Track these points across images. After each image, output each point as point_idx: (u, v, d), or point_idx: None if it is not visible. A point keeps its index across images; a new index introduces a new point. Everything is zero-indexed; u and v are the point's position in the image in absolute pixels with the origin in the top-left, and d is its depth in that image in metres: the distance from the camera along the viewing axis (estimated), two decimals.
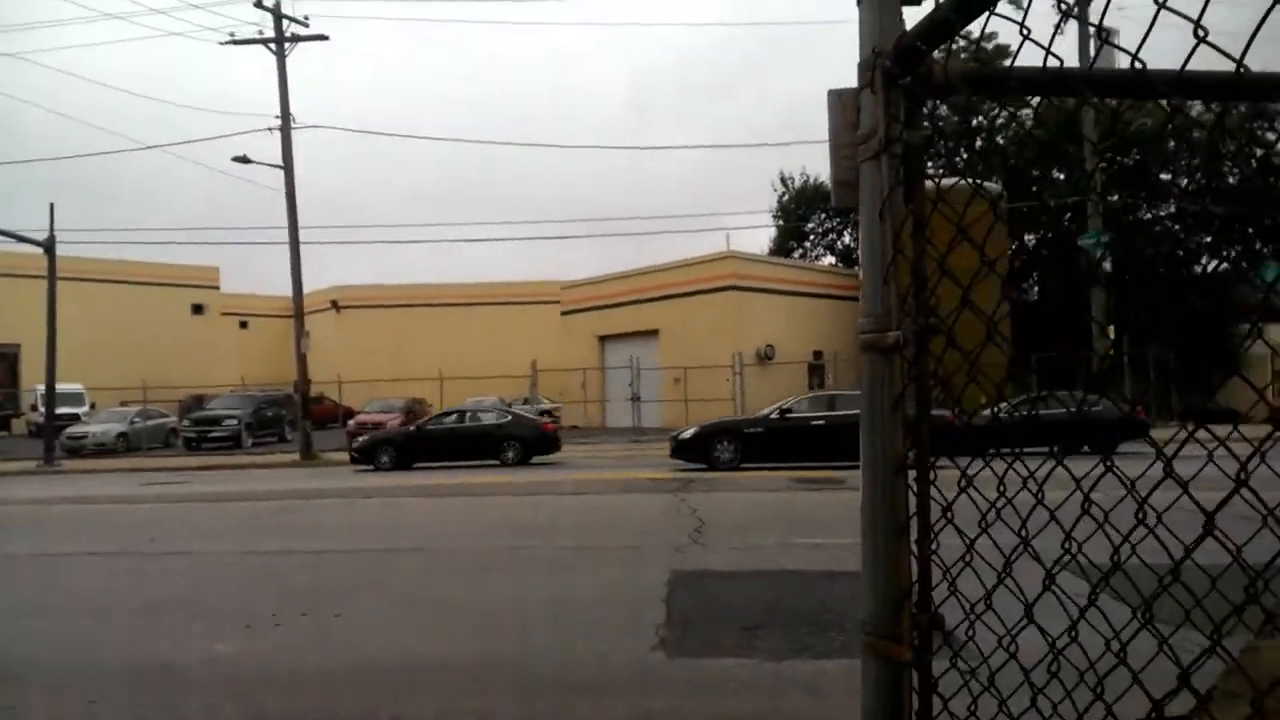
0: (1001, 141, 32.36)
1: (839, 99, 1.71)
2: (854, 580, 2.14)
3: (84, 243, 44.56)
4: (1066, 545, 1.56)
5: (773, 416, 17.67)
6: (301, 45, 25.54)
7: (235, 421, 27.64)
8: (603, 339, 38.42)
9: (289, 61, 25.36)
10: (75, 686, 4.59)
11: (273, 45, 25.11)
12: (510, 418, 21.12)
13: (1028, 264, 35.96)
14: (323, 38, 25.59)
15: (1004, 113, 31.87)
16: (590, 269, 44.12)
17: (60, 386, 26.33)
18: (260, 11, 24.85)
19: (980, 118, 26.34)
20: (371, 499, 13.88)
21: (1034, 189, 31.21)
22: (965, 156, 24.83)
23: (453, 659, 4.99)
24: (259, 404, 29.51)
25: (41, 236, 26.26)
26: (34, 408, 30.75)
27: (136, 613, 6.25)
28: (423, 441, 19.87)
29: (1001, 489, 1.64)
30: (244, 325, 52.71)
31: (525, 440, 19.91)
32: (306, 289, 26.97)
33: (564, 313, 40.98)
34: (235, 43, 25.23)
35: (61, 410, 26.88)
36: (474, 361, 36.55)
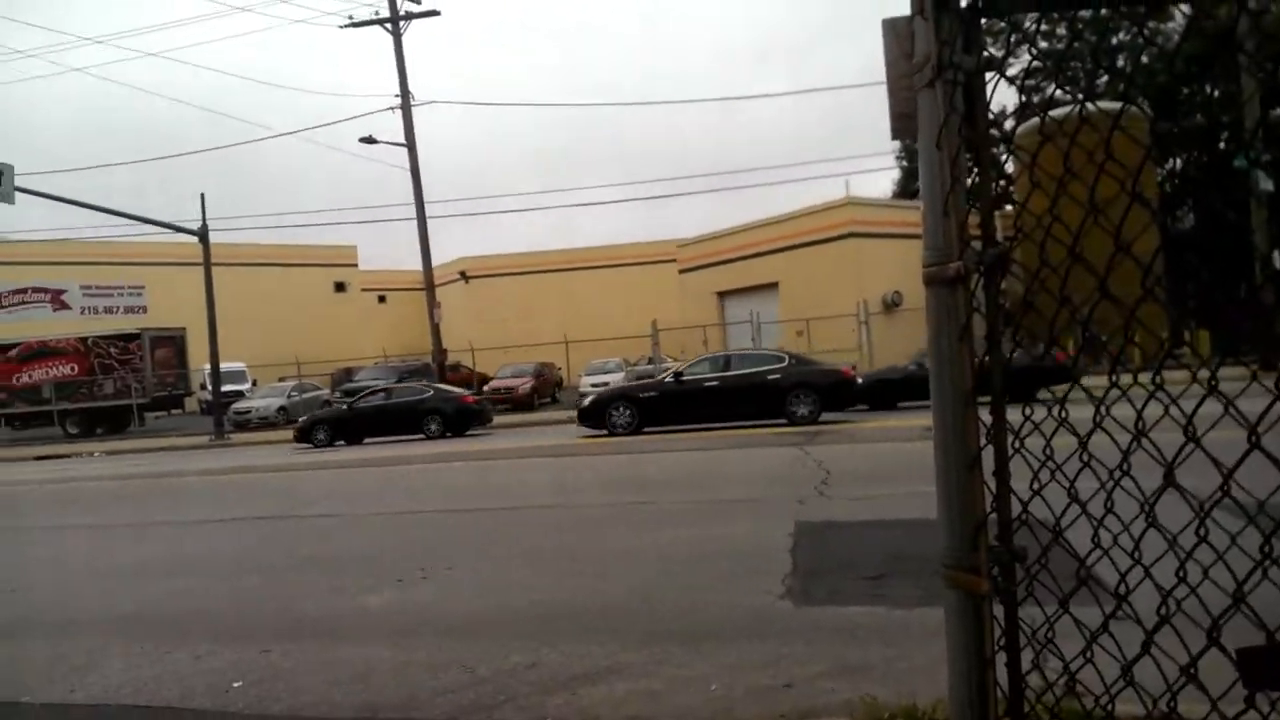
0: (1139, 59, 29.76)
1: (892, 27, 1.66)
2: None
3: (233, 229, 47.89)
4: (1225, 486, 1.45)
5: (667, 380, 17.83)
6: (417, 22, 26.30)
7: (383, 394, 29.20)
8: (721, 295, 38.21)
9: (405, 40, 26.20)
10: (249, 636, 5.08)
11: (388, 25, 25.98)
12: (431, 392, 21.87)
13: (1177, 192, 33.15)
14: (434, 13, 26.25)
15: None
16: (707, 226, 43.88)
17: (224, 365, 28.59)
18: None
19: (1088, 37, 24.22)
20: (498, 460, 14.49)
21: (1181, 107, 28.60)
22: (1093, 78, 23.02)
23: (580, 608, 5.20)
24: (401, 374, 31.05)
25: (195, 226, 28.38)
26: (202, 386, 33.49)
27: (295, 569, 6.81)
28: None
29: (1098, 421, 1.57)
30: (382, 299, 55.36)
31: (445, 414, 20.76)
32: (436, 261, 28.10)
33: (682, 270, 40.95)
34: (354, 25, 26.21)
35: (227, 388, 29.16)
36: (597, 324, 37.16)
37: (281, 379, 35.11)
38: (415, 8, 26.11)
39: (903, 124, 1.67)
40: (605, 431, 17.26)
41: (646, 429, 17.27)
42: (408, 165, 26.68)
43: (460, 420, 20.85)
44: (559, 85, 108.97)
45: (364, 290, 52.52)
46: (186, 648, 4.91)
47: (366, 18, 26.12)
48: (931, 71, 1.54)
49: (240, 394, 33.67)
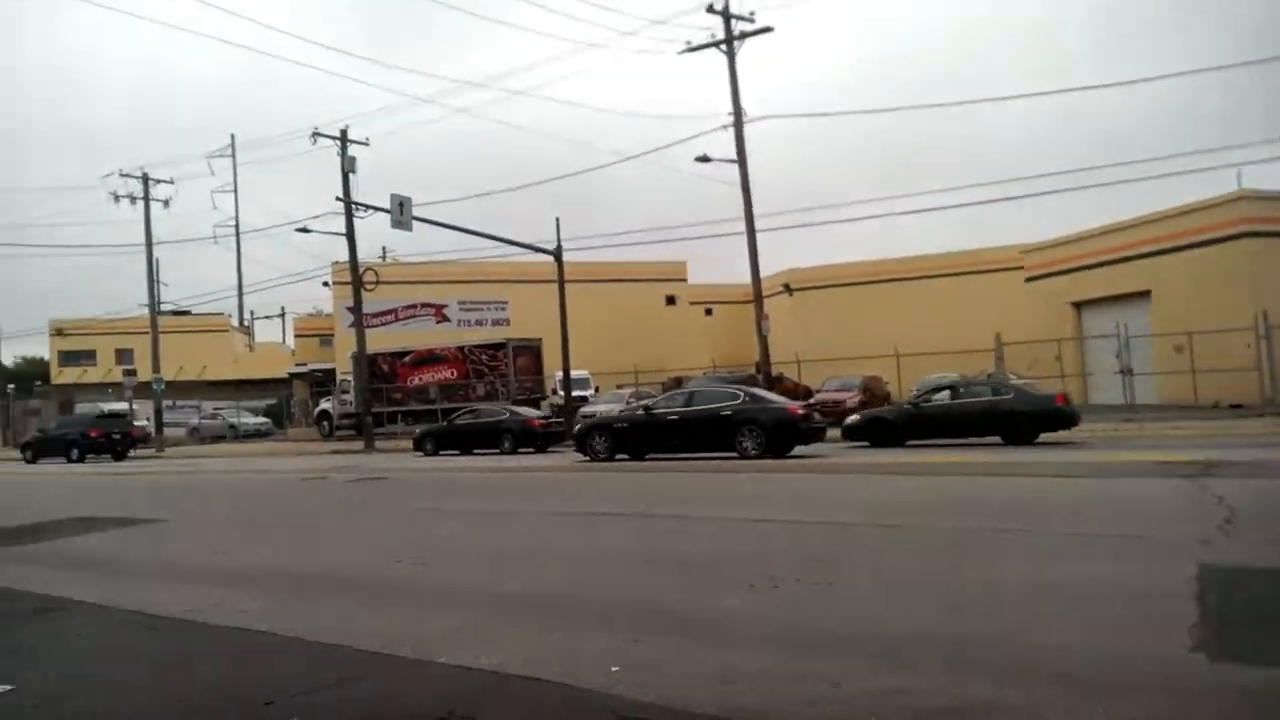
0: None
1: None
2: None
3: (579, 249, 52.37)
4: None
5: (639, 413, 19.76)
6: (749, 40, 26.90)
7: None
8: (1078, 305, 34.50)
9: (738, 58, 26.91)
10: (618, 625, 5.37)
11: (723, 46, 26.85)
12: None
13: None
14: (768, 29, 26.67)
15: None
16: (1050, 230, 39.89)
17: (572, 373, 31.36)
18: (711, 15, 26.70)
19: None
20: (843, 475, 14.20)
21: None
22: None
23: (941, 636, 4.86)
24: (728, 383, 31.91)
25: (551, 246, 31.40)
26: (554, 391, 37.02)
27: (650, 566, 7.14)
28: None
29: None
30: (708, 312, 57.39)
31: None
32: (760, 274, 28.47)
33: (1029, 279, 37.61)
34: (691, 50, 27.41)
35: (574, 394, 31.88)
36: (930, 336, 35.34)
37: (619, 386, 37.70)
38: (749, 27, 26.76)
39: None
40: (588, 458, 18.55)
41: (618, 456, 18.80)
42: (738, 180, 27.36)
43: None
44: (889, 89, 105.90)
45: (692, 303, 54.79)
46: (564, 629, 5.31)
47: (703, 41, 27.25)
48: None
49: (584, 399, 36.71)
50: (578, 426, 21.78)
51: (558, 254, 31.34)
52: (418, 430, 27.75)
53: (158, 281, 40.22)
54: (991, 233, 60.01)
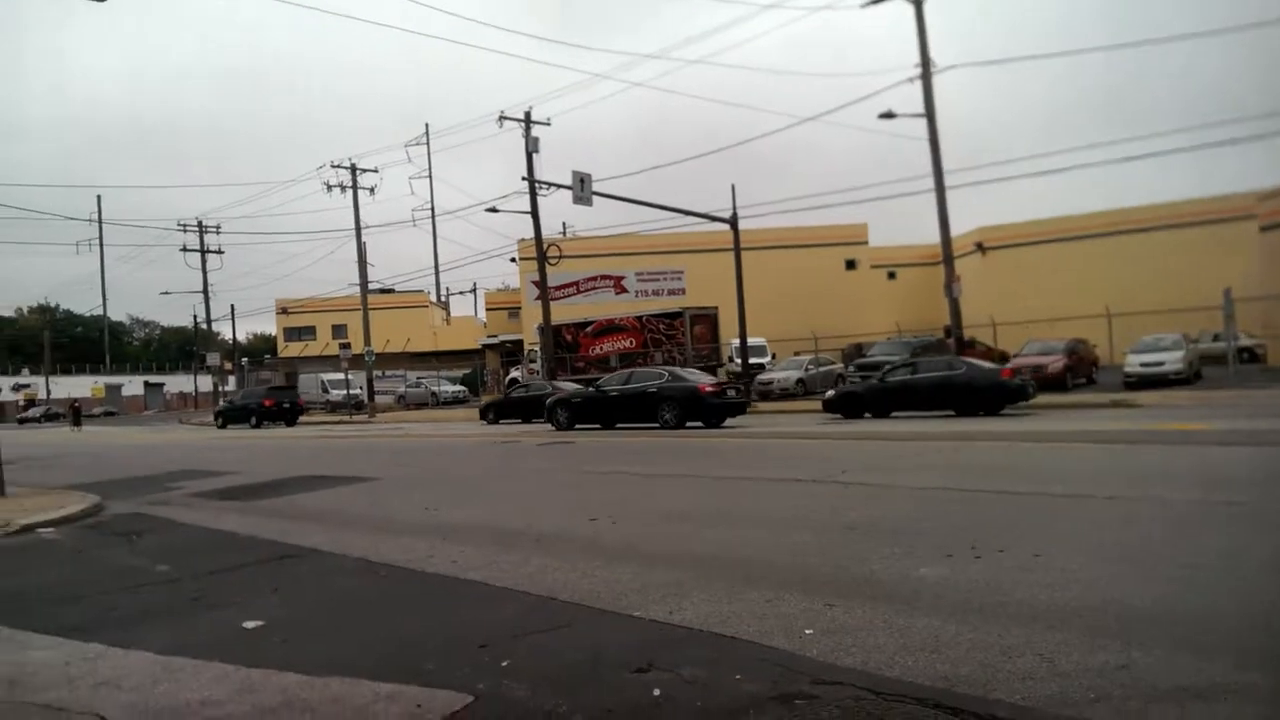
0: None
1: None
2: None
3: (756, 215, 51.76)
4: None
5: (590, 390, 23.10)
6: None
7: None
8: None
9: (925, 5, 25.44)
10: (810, 589, 5.32)
11: None
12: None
13: None
14: None
15: None
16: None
17: (749, 341, 31.21)
18: None
19: None
20: (1043, 444, 13.33)
21: None
22: None
23: (1165, 613, 4.46)
24: (914, 349, 30.64)
25: (726, 215, 31.23)
26: (730, 359, 36.98)
27: (842, 532, 6.99)
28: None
29: None
30: (891, 276, 55.21)
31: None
32: (951, 233, 27.00)
33: (1264, 228, 33.49)
34: (874, 2, 26.17)
35: (751, 361, 31.71)
36: (1144, 294, 32.31)
37: (797, 353, 37.10)
38: None
39: None
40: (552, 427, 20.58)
41: (577, 426, 22.18)
42: (926, 136, 25.97)
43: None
44: (1096, 30, 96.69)
45: (874, 267, 52.86)
46: (756, 591, 5.32)
47: None
48: None
49: (761, 367, 36.41)
50: (549, 400, 24.10)
51: (733, 222, 31.14)
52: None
53: (366, 263, 43.46)
54: (1215, 181, 53.61)
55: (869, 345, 35.13)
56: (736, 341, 32.66)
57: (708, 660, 4.14)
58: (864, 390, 22.01)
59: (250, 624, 5.31)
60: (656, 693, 3.75)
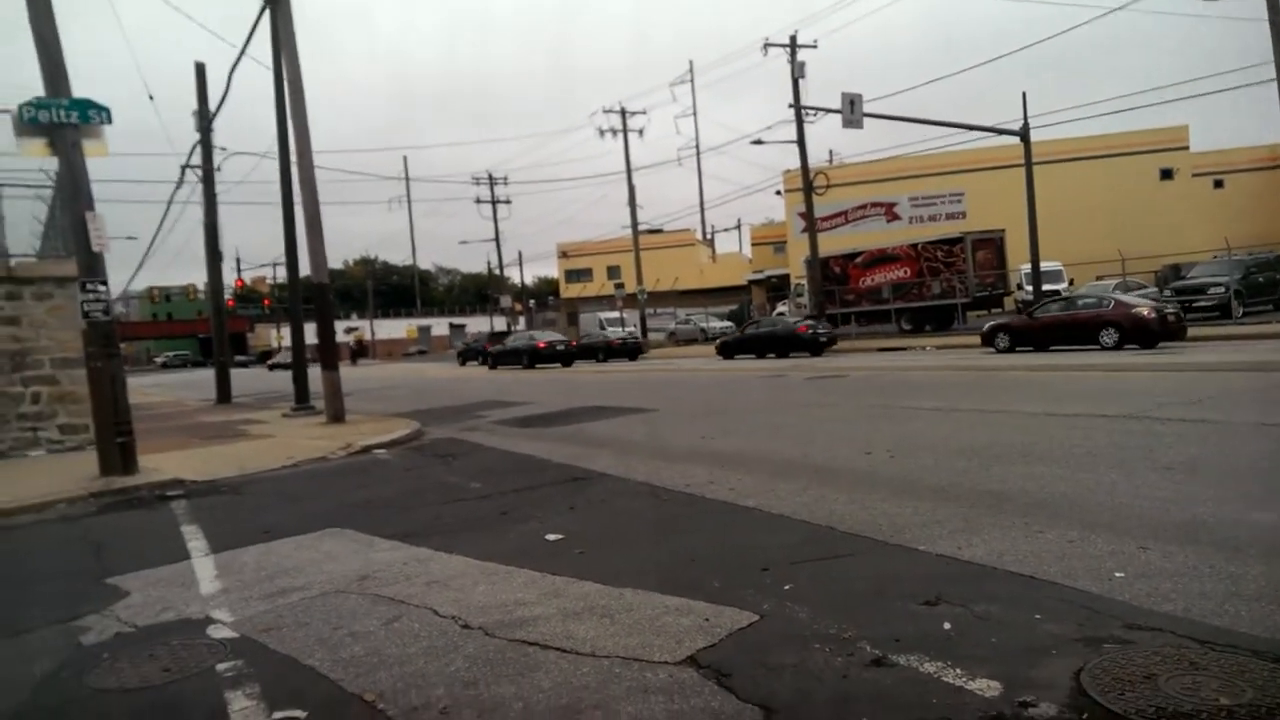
0: None
1: None
2: None
3: (1054, 124, 46.74)
4: None
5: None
6: None
7: (1223, 289, 25.35)
8: None
9: None
10: (1120, 530, 4.85)
11: None
12: None
13: None
14: None
15: None
16: None
17: (1042, 265, 28.51)
18: None
19: None
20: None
21: None
22: None
23: None
24: (1248, 268, 26.39)
25: (1016, 127, 28.51)
26: (1019, 286, 34.06)
27: (1158, 472, 6.27)
28: None
29: None
30: (1219, 184, 47.66)
31: None
32: None
33: None
34: None
35: (1046, 287, 29.01)
36: None
37: (1099, 277, 33.39)
38: None
39: None
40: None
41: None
42: (1265, 15, 21.80)
43: None
44: None
45: (1195, 175, 45.92)
46: (1056, 530, 4.95)
47: None
48: None
49: (1056, 294, 33.19)
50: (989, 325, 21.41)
51: (1024, 134, 28.37)
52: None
53: (636, 205, 45.01)
54: None
55: (1188, 266, 30.78)
56: (1027, 267, 29.99)
57: (1002, 597, 3.93)
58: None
59: (552, 536, 5.84)
60: (947, 626, 3.63)
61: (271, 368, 58.56)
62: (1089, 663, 3.16)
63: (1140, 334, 18.94)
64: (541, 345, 35.81)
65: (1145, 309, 19.39)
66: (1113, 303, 20.21)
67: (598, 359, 37.22)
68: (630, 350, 37.38)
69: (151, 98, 24.80)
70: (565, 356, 35.56)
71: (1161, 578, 4.02)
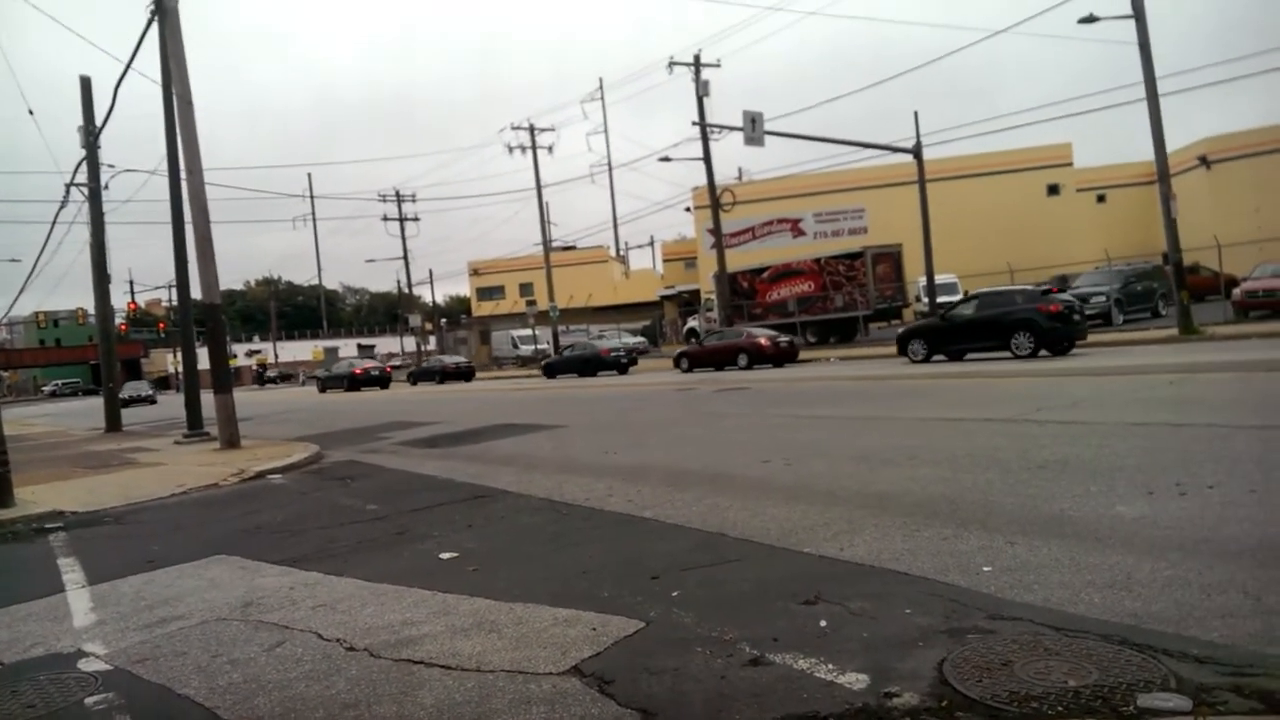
0: None
1: None
2: None
3: (943, 143, 48.76)
4: None
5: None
6: None
7: (1103, 298, 26.88)
8: None
9: None
10: (991, 527, 5.10)
11: None
12: None
13: None
14: None
15: None
16: None
17: (938, 278, 29.67)
18: None
19: None
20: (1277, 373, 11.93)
21: None
22: None
23: None
24: (1127, 279, 28.06)
25: (909, 145, 29.66)
26: (917, 299, 35.35)
27: (1031, 471, 6.61)
28: None
29: None
30: (1101, 199, 50.57)
31: None
32: (1169, 147, 24.30)
33: None
34: None
35: (941, 299, 30.17)
36: None
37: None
38: None
39: None
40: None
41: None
42: (1135, 39, 23.35)
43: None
44: None
45: (1079, 190, 48.60)
46: (933, 529, 5.17)
47: None
48: None
49: (953, 305, 34.54)
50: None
51: (917, 151, 29.57)
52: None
53: (548, 222, 45.01)
54: None
55: (1074, 276, 32.51)
56: (924, 280, 31.18)
57: (877, 594, 4.09)
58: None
59: (446, 555, 5.78)
60: (823, 624, 3.76)
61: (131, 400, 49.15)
62: (952, 653, 3.32)
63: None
64: (358, 372, 41.73)
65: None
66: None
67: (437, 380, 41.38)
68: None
69: (32, 113, 23.61)
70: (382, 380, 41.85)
71: (1026, 570, 4.24)
